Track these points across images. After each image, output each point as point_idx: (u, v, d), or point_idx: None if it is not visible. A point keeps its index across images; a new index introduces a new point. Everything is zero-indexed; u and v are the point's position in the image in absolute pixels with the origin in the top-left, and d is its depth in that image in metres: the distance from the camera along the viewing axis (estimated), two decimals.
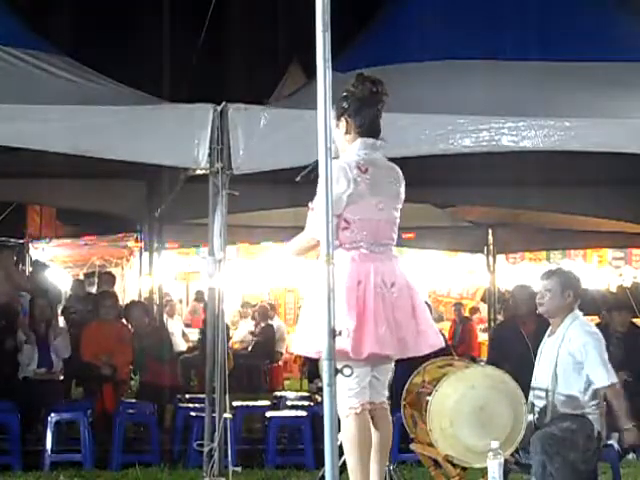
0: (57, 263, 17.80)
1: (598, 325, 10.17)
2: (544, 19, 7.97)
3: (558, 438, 5.85)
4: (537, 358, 6.32)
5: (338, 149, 4.93)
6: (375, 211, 4.86)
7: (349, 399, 4.82)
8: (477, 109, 6.77)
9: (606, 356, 6.08)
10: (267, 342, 15.42)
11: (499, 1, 8.10)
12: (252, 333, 15.85)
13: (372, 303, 4.72)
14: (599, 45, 7.77)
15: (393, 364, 5.11)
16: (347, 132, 4.95)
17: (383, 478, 5.06)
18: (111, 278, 12.59)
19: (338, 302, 4.58)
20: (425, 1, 8.29)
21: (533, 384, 6.18)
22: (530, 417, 5.98)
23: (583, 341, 6.05)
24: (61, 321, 10.22)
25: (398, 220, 5.01)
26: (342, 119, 4.95)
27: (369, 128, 4.94)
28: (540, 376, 6.18)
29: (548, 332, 6.31)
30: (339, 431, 4.90)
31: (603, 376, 5.98)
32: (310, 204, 4.72)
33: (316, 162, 4.79)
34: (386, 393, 5.09)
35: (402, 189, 5.03)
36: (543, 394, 6.08)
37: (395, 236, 4.98)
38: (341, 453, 5.65)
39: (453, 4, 8.17)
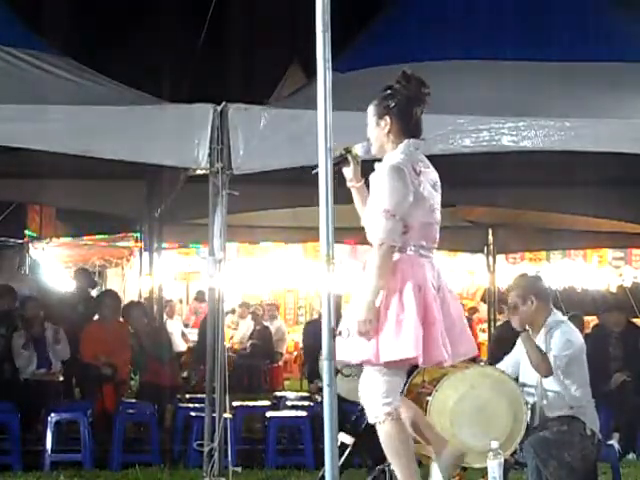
0: (57, 263, 17.79)
1: (596, 326, 10.20)
2: (544, 19, 7.98)
3: (550, 441, 5.85)
4: (522, 357, 6.26)
5: (375, 148, 4.82)
6: (426, 214, 4.74)
7: (384, 406, 4.72)
8: (477, 109, 6.77)
9: (565, 354, 5.97)
10: (264, 344, 15.41)
11: (499, 1, 8.11)
12: (251, 336, 15.85)
13: (435, 309, 4.61)
14: (599, 45, 7.77)
15: None
16: (390, 131, 4.79)
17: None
18: (86, 274, 12.30)
19: (406, 307, 4.54)
20: (425, 1, 8.30)
21: (522, 380, 6.15)
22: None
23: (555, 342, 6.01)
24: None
25: (439, 223, 4.88)
26: (386, 117, 4.78)
27: (414, 128, 4.80)
28: (527, 373, 6.15)
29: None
30: (339, 431, 4.91)
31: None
32: (381, 209, 4.58)
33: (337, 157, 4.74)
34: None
35: (440, 191, 4.90)
36: (532, 390, 6.07)
37: (438, 239, 4.85)
38: (341, 453, 5.66)
39: (453, 4, 8.17)
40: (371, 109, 4.85)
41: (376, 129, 4.81)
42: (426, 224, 4.74)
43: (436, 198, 4.83)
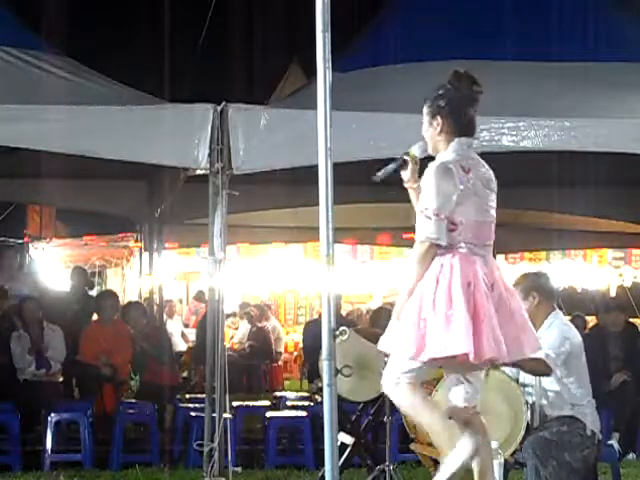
0: (57, 263, 17.78)
1: (595, 326, 10.20)
2: (544, 19, 7.98)
3: (550, 441, 5.84)
4: None
5: (430, 147, 4.80)
6: (478, 212, 4.72)
7: (404, 374, 4.61)
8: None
9: (562, 350, 5.95)
10: (262, 344, 15.40)
11: (499, 1, 8.11)
12: (248, 337, 15.84)
13: (485, 305, 4.57)
14: (599, 45, 7.77)
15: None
16: (442, 131, 4.76)
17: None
18: (82, 273, 12.26)
19: (455, 303, 4.51)
20: (425, 1, 8.30)
21: (521, 380, 6.14)
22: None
23: (556, 342, 6.00)
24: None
25: (495, 221, 4.87)
26: (437, 117, 4.76)
27: (467, 127, 4.78)
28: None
29: None
30: (339, 431, 4.91)
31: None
32: (426, 207, 4.59)
33: (397, 162, 4.75)
34: (478, 397, 4.82)
35: (496, 189, 4.89)
36: (532, 390, 6.06)
37: (493, 237, 4.83)
38: (341, 453, 5.67)
39: (453, 4, 8.17)
40: (425, 109, 4.83)
41: (429, 129, 4.79)
42: (478, 222, 4.72)
43: (490, 196, 4.82)
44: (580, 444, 5.90)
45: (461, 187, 4.63)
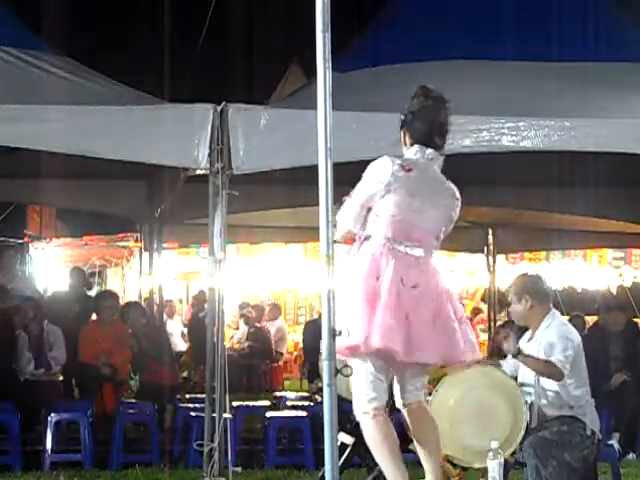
0: (57, 263, 17.79)
1: (596, 325, 10.19)
2: (544, 19, 7.98)
3: (550, 441, 5.84)
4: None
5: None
6: (407, 212, 4.82)
7: (363, 404, 4.84)
8: (477, 109, 6.77)
9: (569, 354, 5.96)
10: (261, 345, 15.40)
11: (499, 1, 8.11)
12: (247, 338, 15.85)
13: (386, 296, 4.67)
14: (599, 45, 7.77)
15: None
16: (404, 143, 5.04)
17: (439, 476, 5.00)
18: (80, 273, 12.24)
19: (353, 292, 4.68)
20: (425, 1, 8.30)
21: (520, 380, 6.14)
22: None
23: (553, 341, 6.01)
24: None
25: (441, 230, 4.94)
26: (403, 130, 5.05)
27: (427, 137, 4.96)
28: (526, 373, 6.14)
29: (527, 337, 6.24)
30: (339, 431, 4.91)
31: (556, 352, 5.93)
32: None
33: None
34: (421, 394, 4.99)
35: (453, 205, 5.00)
36: (530, 390, 6.06)
37: (433, 244, 4.90)
38: (341, 453, 5.66)
39: (453, 4, 8.18)
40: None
41: (401, 139, 5.06)
42: (402, 220, 4.80)
43: (430, 204, 4.89)
44: (580, 443, 5.90)
45: (389, 180, 4.78)
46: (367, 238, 4.83)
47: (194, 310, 15.03)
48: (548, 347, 5.98)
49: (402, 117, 5.03)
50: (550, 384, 5.99)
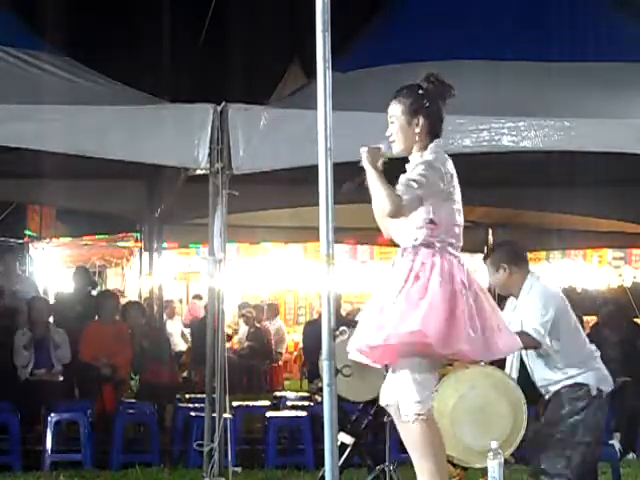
0: (57, 263, 17.80)
1: (596, 325, 10.19)
2: (544, 19, 7.98)
3: (554, 438, 5.85)
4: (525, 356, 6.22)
5: (400, 147, 4.71)
6: (457, 215, 4.73)
7: (416, 404, 4.63)
8: (477, 109, 6.77)
9: (548, 318, 5.87)
10: (261, 345, 15.40)
11: (499, 1, 8.11)
12: (247, 338, 15.85)
13: (463, 303, 4.55)
14: (599, 45, 7.77)
15: None
16: (421, 131, 4.68)
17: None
18: (85, 273, 12.23)
19: (429, 300, 4.50)
20: (425, 1, 8.30)
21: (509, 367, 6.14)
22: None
23: (530, 308, 5.94)
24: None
25: None
26: (419, 117, 4.67)
27: (440, 129, 4.74)
28: (534, 371, 6.12)
29: (513, 306, 6.16)
30: (339, 431, 4.91)
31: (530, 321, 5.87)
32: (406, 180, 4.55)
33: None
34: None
35: None
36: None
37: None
38: (341, 453, 5.66)
39: (453, 4, 8.18)
40: (398, 108, 4.72)
41: (406, 128, 4.69)
42: (454, 224, 4.71)
43: (461, 202, 4.81)
44: (587, 408, 5.82)
45: (445, 187, 4.62)
46: (427, 246, 4.63)
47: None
48: (526, 315, 5.94)
49: (425, 103, 4.66)
50: (536, 358, 5.95)
